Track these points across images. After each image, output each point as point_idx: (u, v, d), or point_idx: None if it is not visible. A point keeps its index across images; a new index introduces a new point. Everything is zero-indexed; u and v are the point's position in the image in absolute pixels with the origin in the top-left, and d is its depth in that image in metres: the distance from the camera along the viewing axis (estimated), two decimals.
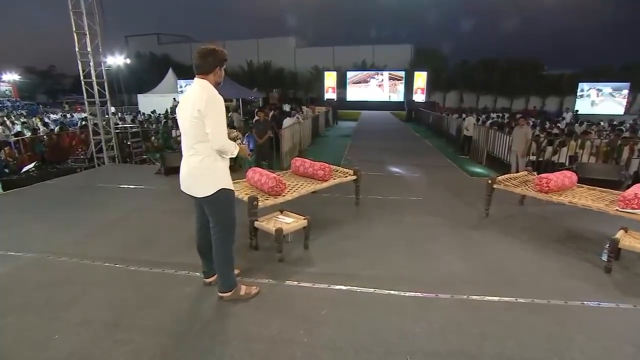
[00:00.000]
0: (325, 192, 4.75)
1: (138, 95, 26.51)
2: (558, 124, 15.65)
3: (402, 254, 3.45)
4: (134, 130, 11.05)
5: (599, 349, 2.18)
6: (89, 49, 7.67)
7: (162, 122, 17.21)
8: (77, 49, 7.65)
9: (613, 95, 28.28)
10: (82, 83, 7.84)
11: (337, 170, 4.70)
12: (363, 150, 11.59)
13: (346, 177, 4.52)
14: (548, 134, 10.91)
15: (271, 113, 11.57)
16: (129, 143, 10.35)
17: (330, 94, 32.63)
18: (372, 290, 2.78)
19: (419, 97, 31.44)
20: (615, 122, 16.83)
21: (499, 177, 4.44)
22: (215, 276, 2.72)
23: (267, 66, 40.52)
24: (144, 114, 21.62)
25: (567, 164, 8.61)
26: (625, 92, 28.28)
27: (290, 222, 3.33)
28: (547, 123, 15.56)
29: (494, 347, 2.18)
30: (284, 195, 3.67)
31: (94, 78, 7.81)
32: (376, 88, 32.30)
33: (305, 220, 3.34)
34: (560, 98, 32.36)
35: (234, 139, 2.62)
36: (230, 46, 44.99)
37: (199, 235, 2.68)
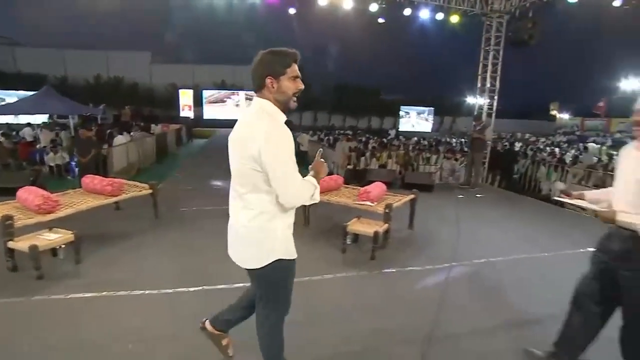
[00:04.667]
0: (130, 207, 4.89)
1: None
2: (383, 139, 18.91)
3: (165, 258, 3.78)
4: None
5: None
6: None
7: None
8: None
9: (420, 117, 38.04)
10: None
11: (135, 185, 4.79)
12: (197, 166, 11.47)
13: (140, 191, 4.65)
14: (365, 147, 13.19)
15: (95, 130, 10.74)
16: None
17: (186, 112, 31.97)
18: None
19: None
20: (417, 139, 21.48)
21: None
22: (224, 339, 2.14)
23: (119, 81, 36.75)
24: None
25: None
26: (428, 115, 38.35)
27: (53, 238, 3.29)
28: (374, 138, 18.61)
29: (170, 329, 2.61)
30: (56, 213, 3.60)
31: None
32: (234, 107, 32.74)
33: (72, 235, 3.35)
34: (394, 118, 39.13)
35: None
36: (72, 56, 38.48)
37: (241, 306, 2.06)
